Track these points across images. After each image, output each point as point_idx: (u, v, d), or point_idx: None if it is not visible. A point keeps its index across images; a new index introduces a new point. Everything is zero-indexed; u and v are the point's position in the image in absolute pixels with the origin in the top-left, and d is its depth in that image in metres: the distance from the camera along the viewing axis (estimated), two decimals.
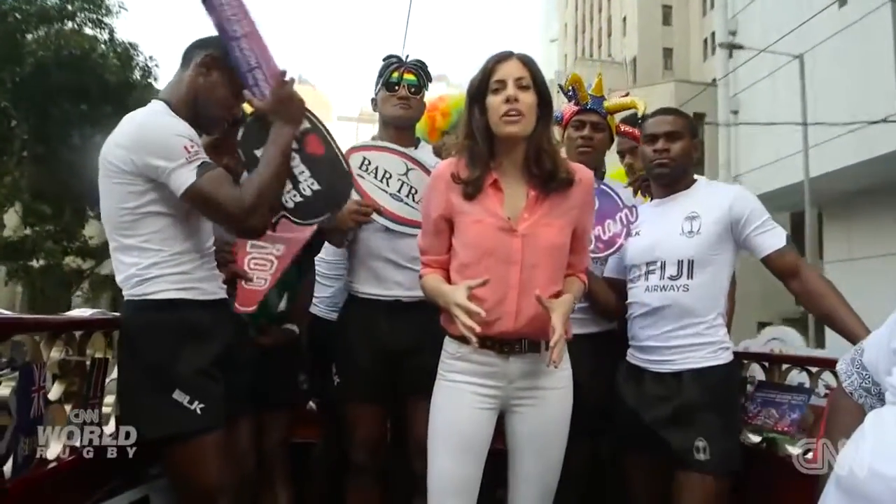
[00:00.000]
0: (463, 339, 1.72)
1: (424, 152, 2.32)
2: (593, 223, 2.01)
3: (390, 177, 2.22)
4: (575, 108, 2.37)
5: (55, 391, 1.62)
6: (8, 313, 1.92)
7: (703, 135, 26.49)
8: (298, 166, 1.89)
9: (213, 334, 1.76)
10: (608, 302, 2.24)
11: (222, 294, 1.86)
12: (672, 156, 2.09)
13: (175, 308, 1.70)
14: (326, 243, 2.35)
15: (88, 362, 1.74)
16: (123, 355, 1.76)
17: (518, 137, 1.69)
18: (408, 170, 2.22)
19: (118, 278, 1.74)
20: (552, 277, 1.72)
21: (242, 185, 1.73)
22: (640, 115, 2.45)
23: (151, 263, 1.69)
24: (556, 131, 2.45)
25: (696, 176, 2.26)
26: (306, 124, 1.89)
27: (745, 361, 2.32)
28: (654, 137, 2.11)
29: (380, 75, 2.27)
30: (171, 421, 1.65)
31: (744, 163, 18.78)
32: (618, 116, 2.56)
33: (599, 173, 2.42)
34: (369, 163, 2.23)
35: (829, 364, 2.01)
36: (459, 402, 1.72)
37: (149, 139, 1.65)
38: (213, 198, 1.66)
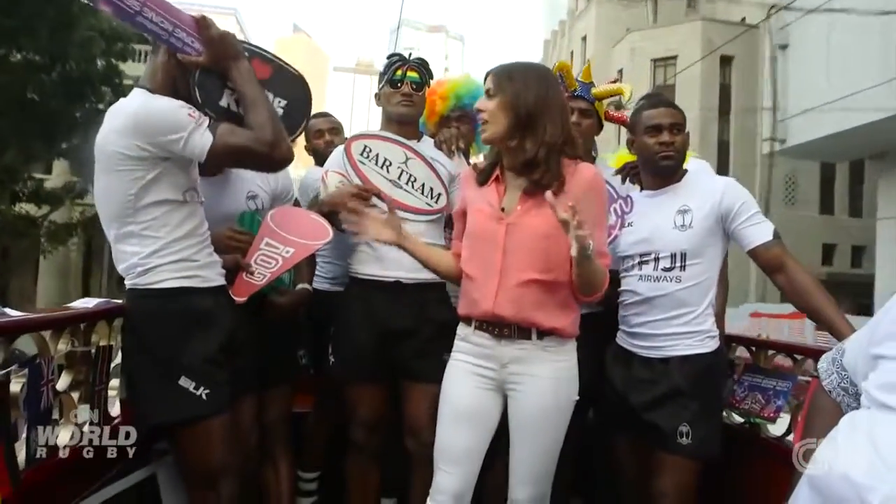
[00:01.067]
0: (466, 321, 1.87)
1: (426, 145, 2.40)
2: (603, 217, 1.96)
3: (390, 164, 2.30)
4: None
5: (63, 381, 1.71)
6: (15, 313, 1.98)
7: (731, 79, 25.45)
8: None
9: (216, 320, 1.83)
10: None
11: (223, 280, 1.92)
12: (677, 147, 2.11)
13: (178, 296, 1.77)
14: None
15: (93, 351, 1.82)
16: (128, 344, 1.84)
17: (490, 142, 1.86)
18: (407, 159, 2.30)
19: (120, 268, 1.80)
20: (533, 264, 1.76)
21: (253, 125, 1.77)
22: (626, 100, 2.44)
23: (152, 252, 1.75)
24: None
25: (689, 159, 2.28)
26: (245, 54, 1.90)
27: (734, 344, 2.38)
28: (658, 128, 2.11)
29: (383, 73, 2.35)
30: (178, 407, 1.73)
31: (793, 105, 16.56)
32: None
33: (589, 159, 2.44)
34: (370, 150, 2.32)
35: (812, 353, 2.06)
36: (463, 381, 1.84)
37: (152, 120, 1.69)
38: (237, 145, 1.75)
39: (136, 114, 1.71)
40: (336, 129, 3.02)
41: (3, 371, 1.45)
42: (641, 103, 2.29)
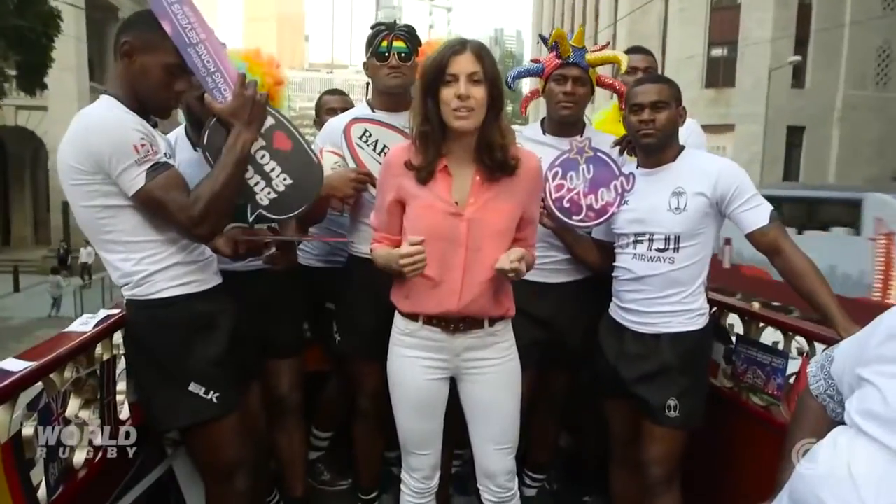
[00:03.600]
0: (411, 317, 1.87)
1: None
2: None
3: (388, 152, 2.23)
4: (557, 62, 2.24)
5: (73, 406, 1.75)
6: (15, 365, 1.87)
7: None
8: (269, 163, 1.92)
9: (218, 322, 1.87)
10: (593, 262, 2.33)
11: (218, 279, 1.94)
12: (658, 126, 2.08)
13: (178, 304, 1.79)
14: None
15: (98, 368, 1.86)
16: (134, 355, 1.88)
17: (469, 132, 1.74)
18: None
19: (114, 278, 1.81)
20: (496, 259, 1.78)
21: (194, 192, 1.74)
22: (621, 69, 2.32)
23: (141, 258, 1.75)
24: (537, 82, 2.38)
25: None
26: (271, 121, 1.91)
27: (726, 311, 2.41)
28: (639, 107, 2.09)
29: (368, 44, 2.22)
30: (190, 412, 1.81)
31: None
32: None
33: (580, 126, 2.37)
34: (370, 135, 2.29)
35: (804, 332, 2.10)
36: (412, 375, 1.90)
37: (99, 137, 1.66)
38: (162, 203, 1.71)
39: (89, 127, 1.69)
40: (348, 108, 2.90)
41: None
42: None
